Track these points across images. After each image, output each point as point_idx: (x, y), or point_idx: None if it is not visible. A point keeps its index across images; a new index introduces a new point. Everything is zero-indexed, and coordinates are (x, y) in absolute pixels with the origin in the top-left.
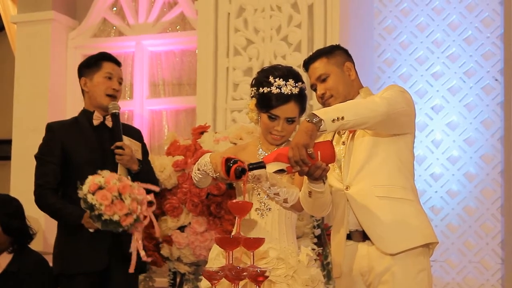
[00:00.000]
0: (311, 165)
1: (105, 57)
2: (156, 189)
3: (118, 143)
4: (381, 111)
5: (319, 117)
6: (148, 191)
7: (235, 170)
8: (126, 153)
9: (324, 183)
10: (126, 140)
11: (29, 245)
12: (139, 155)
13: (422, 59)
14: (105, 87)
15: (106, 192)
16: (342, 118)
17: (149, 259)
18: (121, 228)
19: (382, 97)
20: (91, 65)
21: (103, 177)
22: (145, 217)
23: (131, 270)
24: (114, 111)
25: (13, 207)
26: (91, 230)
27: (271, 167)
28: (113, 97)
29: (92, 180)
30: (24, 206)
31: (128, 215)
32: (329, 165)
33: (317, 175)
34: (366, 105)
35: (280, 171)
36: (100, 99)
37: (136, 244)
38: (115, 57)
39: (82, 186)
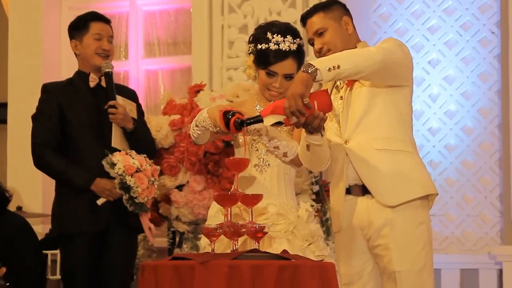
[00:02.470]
0: (309, 115)
1: (93, 17)
2: None
3: (111, 102)
4: (377, 59)
5: (314, 67)
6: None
7: (234, 122)
8: (119, 112)
9: (322, 135)
10: (120, 99)
11: (9, 209)
12: (134, 115)
13: (418, 13)
14: (95, 47)
15: (143, 175)
16: (338, 67)
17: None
18: (145, 210)
19: (379, 47)
20: (79, 27)
21: (134, 158)
22: None
23: (152, 241)
24: (107, 70)
25: None
26: (99, 203)
27: (268, 120)
28: (105, 56)
29: (125, 160)
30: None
31: (152, 198)
32: (327, 120)
33: (315, 125)
34: (362, 54)
35: (278, 123)
36: (92, 60)
37: (147, 224)
38: (102, 15)
39: (111, 161)
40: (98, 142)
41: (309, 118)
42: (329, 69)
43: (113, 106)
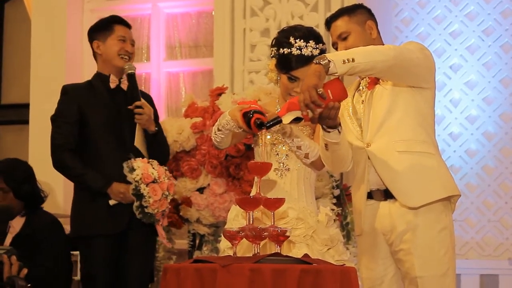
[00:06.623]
0: (324, 108)
1: (117, 20)
2: None
3: (137, 103)
4: (391, 55)
5: (328, 59)
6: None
7: (254, 123)
8: (145, 112)
9: (340, 132)
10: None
11: (42, 207)
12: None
13: (439, 18)
14: (119, 48)
15: (158, 187)
16: (353, 60)
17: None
18: (153, 221)
19: (396, 45)
20: (103, 28)
21: (154, 168)
22: None
23: (169, 245)
24: (130, 71)
25: (23, 171)
26: (111, 203)
27: (287, 118)
28: (128, 59)
29: (145, 169)
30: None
31: (162, 212)
32: (349, 123)
33: (331, 115)
34: (377, 49)
35: (297, 119)
36: (114, 61)
37: (161, 233)
38: (126, 20)
39: (132, 165)
40: (117, 143)
41: (324, 111)
42: (344, 61)
43: (140, 107)
